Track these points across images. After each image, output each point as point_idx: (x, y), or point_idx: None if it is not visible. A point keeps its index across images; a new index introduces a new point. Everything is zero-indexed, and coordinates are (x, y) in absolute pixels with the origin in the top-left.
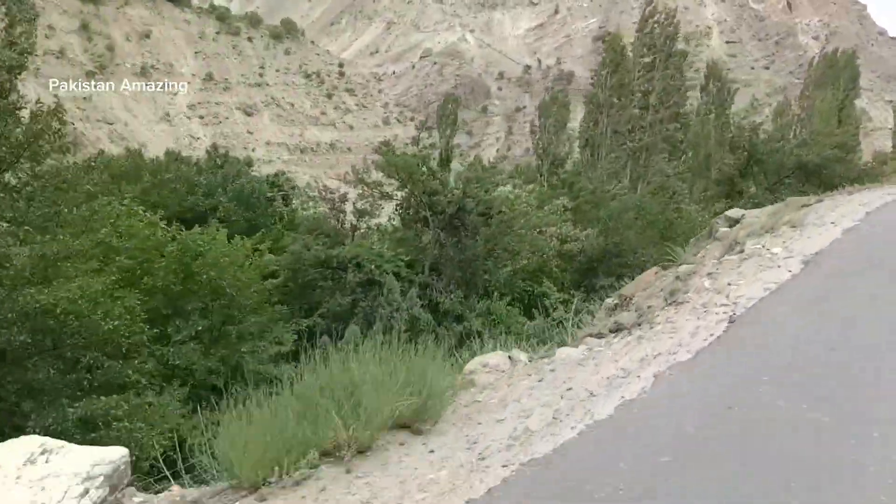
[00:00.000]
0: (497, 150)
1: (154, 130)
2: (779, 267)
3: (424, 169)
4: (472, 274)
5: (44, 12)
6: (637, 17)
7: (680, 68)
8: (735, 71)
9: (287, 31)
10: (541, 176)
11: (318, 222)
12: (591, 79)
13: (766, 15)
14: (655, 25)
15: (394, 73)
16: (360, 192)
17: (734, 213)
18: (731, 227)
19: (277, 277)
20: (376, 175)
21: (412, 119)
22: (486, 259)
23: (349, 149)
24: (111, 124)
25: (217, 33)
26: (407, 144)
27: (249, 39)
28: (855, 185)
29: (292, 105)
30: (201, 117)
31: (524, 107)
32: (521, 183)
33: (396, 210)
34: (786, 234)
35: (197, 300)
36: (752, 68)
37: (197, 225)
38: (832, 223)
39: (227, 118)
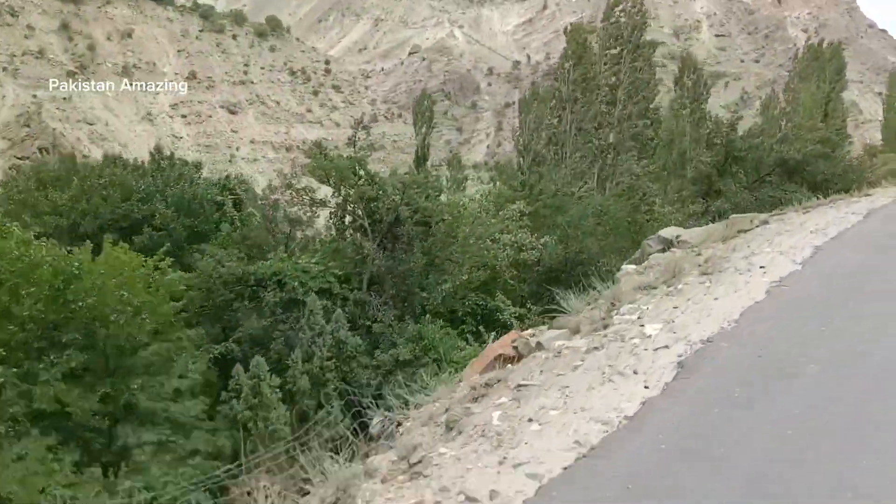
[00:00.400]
0: (487, 147)
1: (136, 130)
2: (634, 375)
3: (362, 173)
4: (406, 291)
5: (23, 12)
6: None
7: (649, 60)
8: (725, 64)
9: (272, 29)
10: (521, 174)
11: (246, 233)
12: (554, 73)
13: (756, 8)
14: (622, 15)
15: (382, 69)
16: (290, 198)
17: (669, 232)
18: (663, 250)
19: (181, 299)
20: (309, 180)
21: (400, 116)
22: (426, 274)
23: (336, 146)
24: (92, 125)
25: (201, 31)
26: (395, 141)
27: (234, 37)
28: (837, 184)
29: (277, 103)
30: (184, 116)
31: (513, 102)
32: (497, 182)
33: (330, 218)
34: (687, 290)
35: (74, 330)
36: (742, 62)
37: (131, 235)
38: (761, 268)
39: (210, 117)
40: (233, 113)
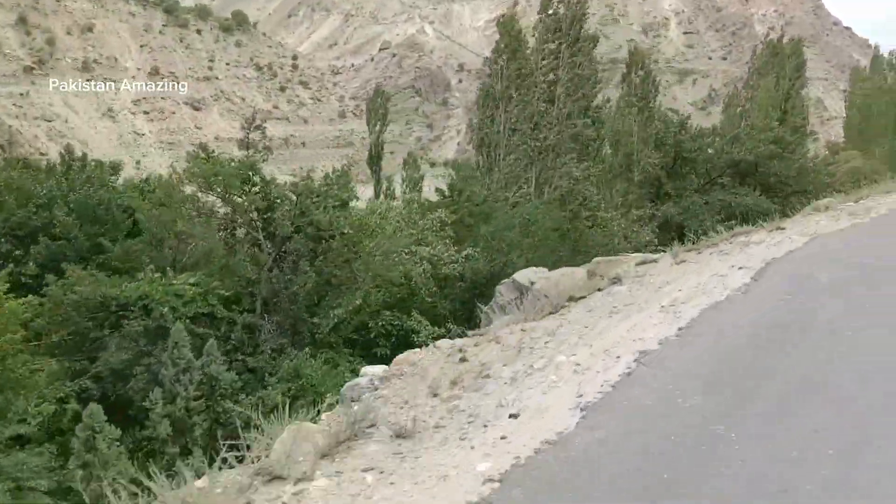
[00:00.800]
0: (458, 144)
1: (97, 127)
2: None
3: (257, 179)
4: (294, 317)
5: None
6: (596, 9)
7: (589, 55)
8: (693, 62)
9: (238, 24)
10: (480, 173)
11: (128, 247)
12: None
13: (723, 5)
14: (560, 5)
15: (353, 65)
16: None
17: (525, 275)
18: (516, 296)
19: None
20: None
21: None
22: (322, 296)
23: (303, 143)
24: (50, 122)
25: (164, 26)
26: (363, 138)
27: (198, 32)
28: (791, 186)
29: (243, 99)
30: (146, 112)
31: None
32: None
33: (219, 232)
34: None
35: None
36: (710, 59)
37: (30, 245)
38: (512, 416)
39: (173, 113)
40: (197, 109)
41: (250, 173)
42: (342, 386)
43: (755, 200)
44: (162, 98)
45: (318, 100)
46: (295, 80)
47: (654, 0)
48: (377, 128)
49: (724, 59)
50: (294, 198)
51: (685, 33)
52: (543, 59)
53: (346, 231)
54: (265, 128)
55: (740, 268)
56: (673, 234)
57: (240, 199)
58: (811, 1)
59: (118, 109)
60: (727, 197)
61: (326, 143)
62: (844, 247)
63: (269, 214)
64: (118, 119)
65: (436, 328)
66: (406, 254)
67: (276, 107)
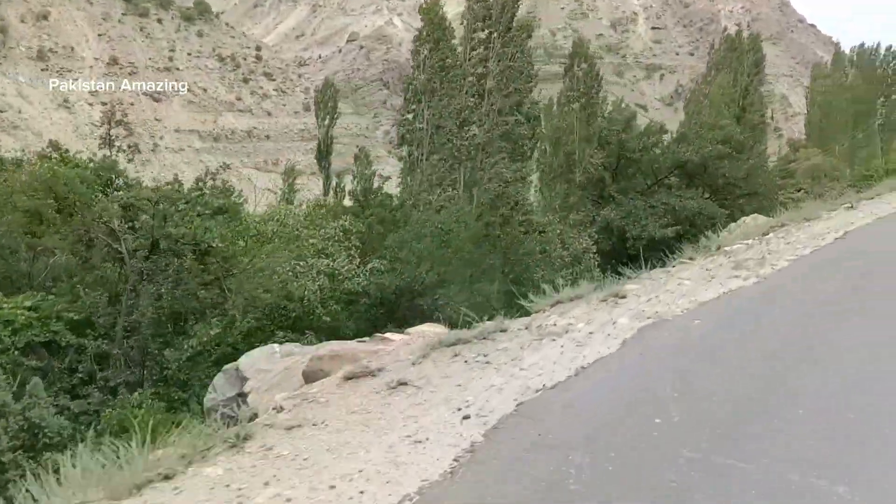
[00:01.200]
0: None
1: (52, 118)
2: None
3: (120, 182)
4: (139, 349)
5: None
6: (565, 4)
7: (522, 46)
8: (660, 57)
9: (200, 13)
10: (402, 173)
11: None
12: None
13: (691, 1)
14: None
15: (320, 57)
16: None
17: (251, 365)
18: (236, 394)
19: None
20: None
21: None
22: (182, 321)
23: (267, 136)
24: (3, 112)
25: (123, 15)
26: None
27: (159, 21)
28: (741, 188)
29: (205, 90)
30: (104, 104)
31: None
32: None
33: (70, 246)
34: None
35: None
36: (677, 54)
37: None
38: None
39: (132, 104)
40: (156, 101)
41: (113, 176)
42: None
43: (701, 204)
44: (121, 89)
45: (283, 92)
46: (259, 71)
47: None
48: (326, 121)
49: (692, 54)
50: (154, 206)
51: (653, 28)
52: (474, 49)
53: (215, 245)
54: (128, 123)
55: (465, 417)
56: (613, 239)
57: (95, 207)
58: None
59: (74, 100)
60: (671, 200)
61: (291, 137)
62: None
63: (132, 224)
64: (74, 110)
65: None
66: (300, 267)
67: (238, 98)
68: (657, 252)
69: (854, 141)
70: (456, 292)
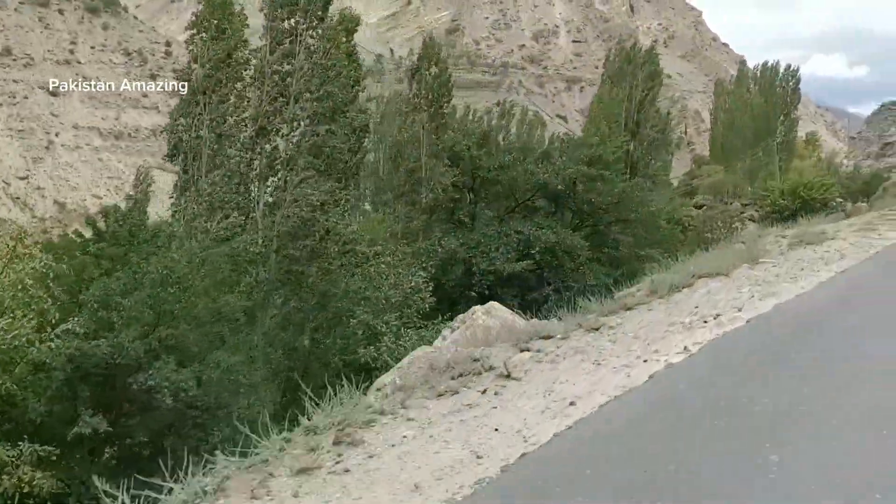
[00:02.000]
0: None
1: None
2: None
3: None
4: None
5: None
6: (489, 13)
7: (334, 41)
8: (581, 70)
9: (106, 5)
10: (175, 194)
11: None
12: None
13: (611, 16)
14: None
15: None
16: None
17: None
18: None
19: None
20: None
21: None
22: None
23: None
24: None
25: (21, 3)
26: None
27: (60, 12)
28: (608, 211)
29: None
30: None
31: (374, 97)
32: None
33: None
34: None
35: None
36: (597, 68)
37: None
38: None
39: (26, 98)
40: (54, 95)
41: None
42: None
43: (560, 236)
44: (14, 81)
45: None
46: (167, 67)
47: (545, 7)
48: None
49: None
50: None
51: (574, 42)
52: (280, 43)
53: None
54: None
55: None
56: (457, 274)
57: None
58: (692, 16)
59: None
60: (525, 229)
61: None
62: None
63: None
64: None
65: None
66: None
67: (144, 95)
68: (512, 288)
69: (754, 159)
70: (171, 371)
